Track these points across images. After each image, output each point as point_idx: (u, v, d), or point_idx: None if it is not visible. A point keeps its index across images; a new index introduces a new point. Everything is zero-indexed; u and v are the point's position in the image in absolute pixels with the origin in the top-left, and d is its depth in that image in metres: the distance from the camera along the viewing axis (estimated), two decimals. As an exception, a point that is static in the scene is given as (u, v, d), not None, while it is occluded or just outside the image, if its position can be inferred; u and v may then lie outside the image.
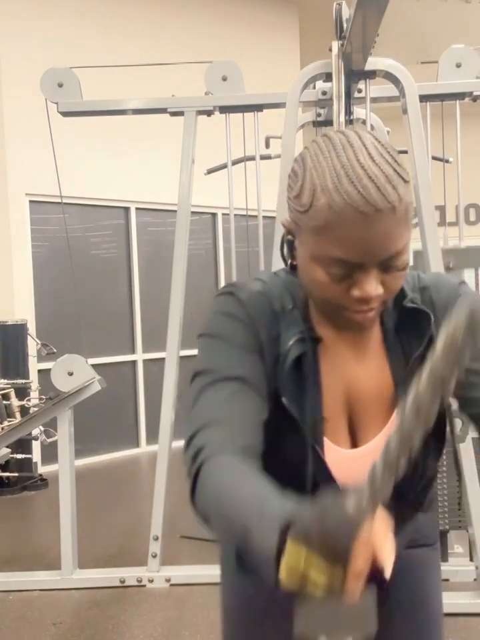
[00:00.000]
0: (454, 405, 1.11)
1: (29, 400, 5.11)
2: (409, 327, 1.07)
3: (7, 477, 5.25)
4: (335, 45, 2.97)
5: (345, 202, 0.89)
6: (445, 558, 3.31)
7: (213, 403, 0.99)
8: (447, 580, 3.29)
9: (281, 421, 1.04)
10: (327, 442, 1.07)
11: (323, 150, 0.94)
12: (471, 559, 3.26)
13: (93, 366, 3.60)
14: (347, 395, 1.08)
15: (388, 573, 0.74)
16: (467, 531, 3.17)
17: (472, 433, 2.85)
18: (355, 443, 1.09)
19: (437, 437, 1.11)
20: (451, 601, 3.07)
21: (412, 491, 1.14)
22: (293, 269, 1.07)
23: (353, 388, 1.07)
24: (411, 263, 1.09)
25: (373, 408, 1.08)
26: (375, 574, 0.75)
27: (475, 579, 3.20)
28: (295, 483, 1.07)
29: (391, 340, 1.07)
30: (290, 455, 1.06)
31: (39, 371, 5.67)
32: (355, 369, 1.07)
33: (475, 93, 3.33)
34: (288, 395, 1.03)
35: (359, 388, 1.07)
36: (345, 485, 1.02)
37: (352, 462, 1.08)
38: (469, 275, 10.16)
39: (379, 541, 0.74)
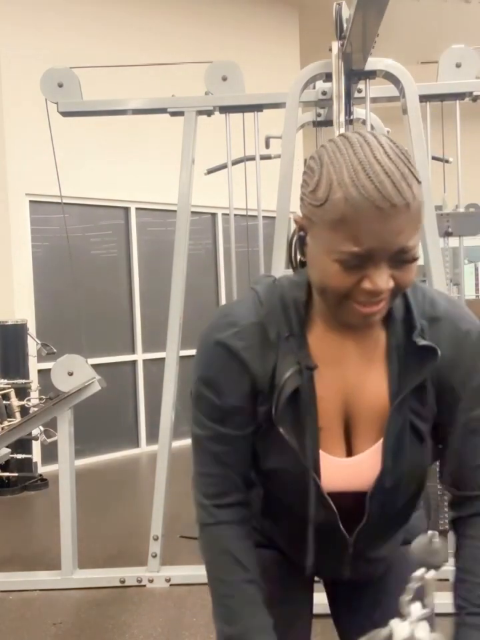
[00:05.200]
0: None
1: (29, 400, 5.11)
2: (412, 358, 1.06)
3: (7, 477, 5.25)
4: (335, 45, 2.97)
5: (361, 196, 0.90)
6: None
7: (213, 458, 1.12)
8: (447, 580, 3.29)
9: (279, 442, 1.08)
10: (322, 454, 1.09)
11: (340, 147, 0.95)
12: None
13: (93, 366, 3.60)
14: (345, 404, 1.09)
15: None
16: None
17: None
18: (350, 451, 1.11)
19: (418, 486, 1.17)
20: (450, 600, 3.08)
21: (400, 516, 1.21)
22: (302, 265, 1.07)
23: (352, 397, 1.09)
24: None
25: (369, 418, 1.09)
26: None
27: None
28: (294, 496, 1.12)
29: (392, 356, 1.07)
30: (289, 471, 1.10)
31: (39, 371, 5.67)
32: (355, 379, 1.08)
33: (475, 93, 3.33)
34: (285, 426, 1.06)
35: (357, 398, 1.08)
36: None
37: (346, 470, 1.10)
38: (469, 271, 10.10)
39: None
